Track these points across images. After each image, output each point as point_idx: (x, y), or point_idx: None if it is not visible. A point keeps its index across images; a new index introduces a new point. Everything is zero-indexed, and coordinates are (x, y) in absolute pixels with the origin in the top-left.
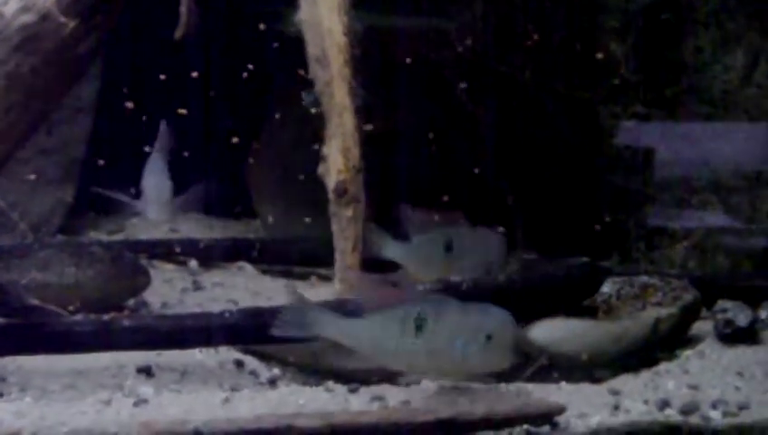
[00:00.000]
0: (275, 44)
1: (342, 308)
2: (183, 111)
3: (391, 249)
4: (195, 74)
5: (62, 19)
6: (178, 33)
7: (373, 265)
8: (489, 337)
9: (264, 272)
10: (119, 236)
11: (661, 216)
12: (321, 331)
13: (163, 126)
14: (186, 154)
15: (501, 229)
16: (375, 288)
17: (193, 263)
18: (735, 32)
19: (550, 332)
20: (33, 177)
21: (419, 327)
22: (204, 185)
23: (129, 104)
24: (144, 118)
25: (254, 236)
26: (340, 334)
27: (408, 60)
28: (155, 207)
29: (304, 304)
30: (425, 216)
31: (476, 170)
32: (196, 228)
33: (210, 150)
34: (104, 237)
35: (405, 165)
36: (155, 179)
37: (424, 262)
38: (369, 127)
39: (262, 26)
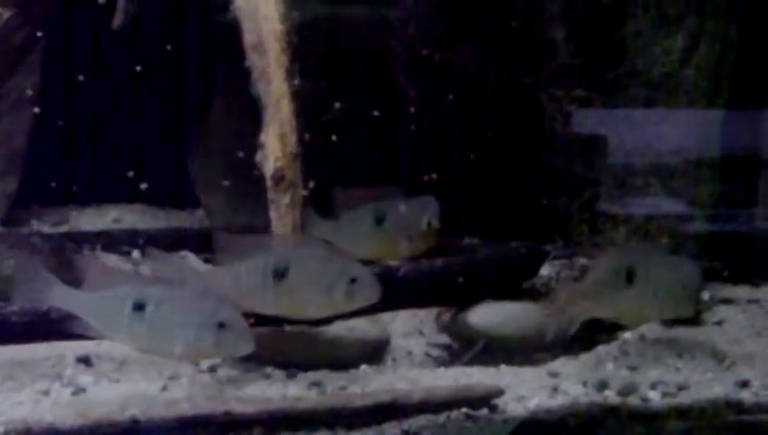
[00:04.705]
0: (215, 33)
1: None
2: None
3: (318, 227)
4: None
5: None
6: (116, 23)
7: None
8: (684, 286)
9: (207, 261)
10: (63, 228)
11: (603, 199)
12: None
13: None
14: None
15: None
16: None
17: (136, 253)
18: (675, 14)
19: (489, 315)
20: None
21: (630, 278)
22: None
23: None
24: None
25: (198, 225)
26: None
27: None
28: None
29: None
30: (354, 193)
31: (420, 157)
32: (140, 218)
33: (153, 140)
34: (47, 229)
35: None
36: None
37: (352, 237)
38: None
39: (201, 15)
